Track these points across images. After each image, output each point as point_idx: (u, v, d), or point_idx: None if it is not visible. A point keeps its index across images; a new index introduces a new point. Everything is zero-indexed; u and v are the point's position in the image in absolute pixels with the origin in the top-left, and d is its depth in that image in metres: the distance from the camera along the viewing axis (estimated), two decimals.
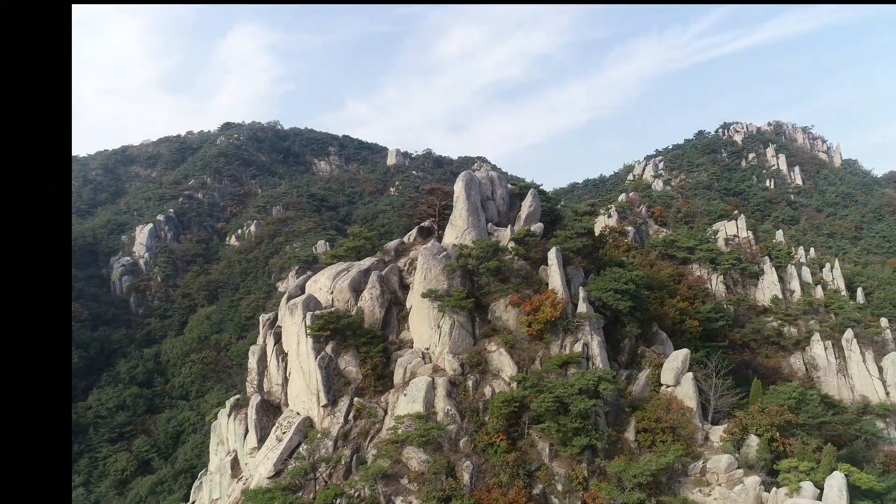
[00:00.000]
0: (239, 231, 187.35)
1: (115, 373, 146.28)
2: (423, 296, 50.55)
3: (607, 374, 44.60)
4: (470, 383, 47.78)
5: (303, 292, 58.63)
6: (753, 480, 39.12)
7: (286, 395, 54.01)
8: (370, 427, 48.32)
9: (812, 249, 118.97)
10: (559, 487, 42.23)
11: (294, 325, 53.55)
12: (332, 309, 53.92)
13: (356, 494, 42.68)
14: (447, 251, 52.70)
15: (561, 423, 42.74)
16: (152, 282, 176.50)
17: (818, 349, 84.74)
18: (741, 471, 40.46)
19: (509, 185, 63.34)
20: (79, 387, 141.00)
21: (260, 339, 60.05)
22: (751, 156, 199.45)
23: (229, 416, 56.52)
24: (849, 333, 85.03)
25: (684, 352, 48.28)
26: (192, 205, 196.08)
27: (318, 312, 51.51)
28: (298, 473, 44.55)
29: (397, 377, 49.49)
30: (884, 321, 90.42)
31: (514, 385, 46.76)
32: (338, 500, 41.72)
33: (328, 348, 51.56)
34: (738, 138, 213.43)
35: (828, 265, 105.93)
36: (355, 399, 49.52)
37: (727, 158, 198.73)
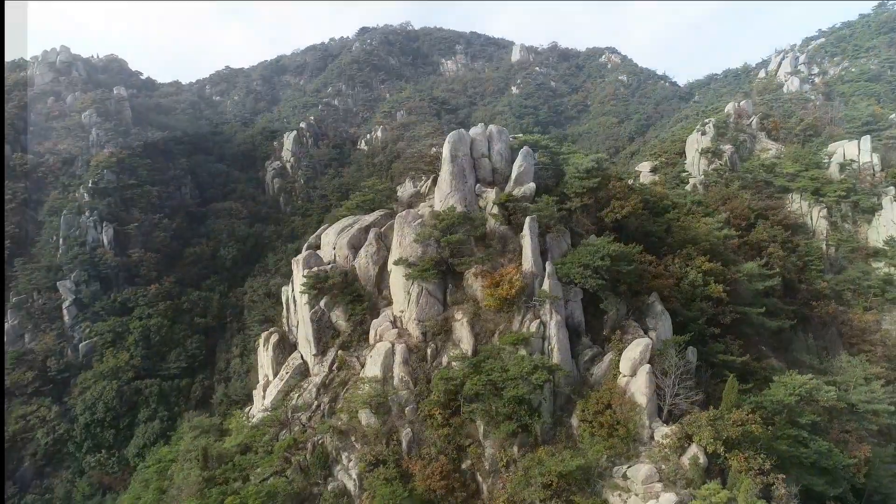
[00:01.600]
0: (368, 136, 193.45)
1: (265, 264, 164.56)
2: (396, 263, 50.15)
3: (543, 362, 41.72)
4: (429, 351, 47.81)
5: (319, 242, 61.16)
6: (669, 498, 35.40)
7: (297, 337, 58.33)
8: (348, 378, 51.07)
9: None
10: (486, 466, 42.13)
11: (299, 279, 56.55)
12: (330, 266, 55.74)
13: (317, 442, 46.40)
14: (422, 218, 50.95)
15: (495, 405, 41.77)
16: (296, 184, 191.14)
17: None
18: (660, 484, 36.74)
19: (512, 138, 57.75)
20: (238, 274, 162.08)
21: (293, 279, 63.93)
22: None
23: (263, 346, 62.65)
24: None
25: (645, 341, 42.99)
26: (330, 111, 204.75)
27: (306, 272, 53.72)
28: (279, 419, 49.20)
29: (371, 338, 50.93)
30: None
31: (470, 355, 45.91)
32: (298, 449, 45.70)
33: (322, 303, 54.14)
34: None
35: None
36: (339, 352, 52.19)
37: None
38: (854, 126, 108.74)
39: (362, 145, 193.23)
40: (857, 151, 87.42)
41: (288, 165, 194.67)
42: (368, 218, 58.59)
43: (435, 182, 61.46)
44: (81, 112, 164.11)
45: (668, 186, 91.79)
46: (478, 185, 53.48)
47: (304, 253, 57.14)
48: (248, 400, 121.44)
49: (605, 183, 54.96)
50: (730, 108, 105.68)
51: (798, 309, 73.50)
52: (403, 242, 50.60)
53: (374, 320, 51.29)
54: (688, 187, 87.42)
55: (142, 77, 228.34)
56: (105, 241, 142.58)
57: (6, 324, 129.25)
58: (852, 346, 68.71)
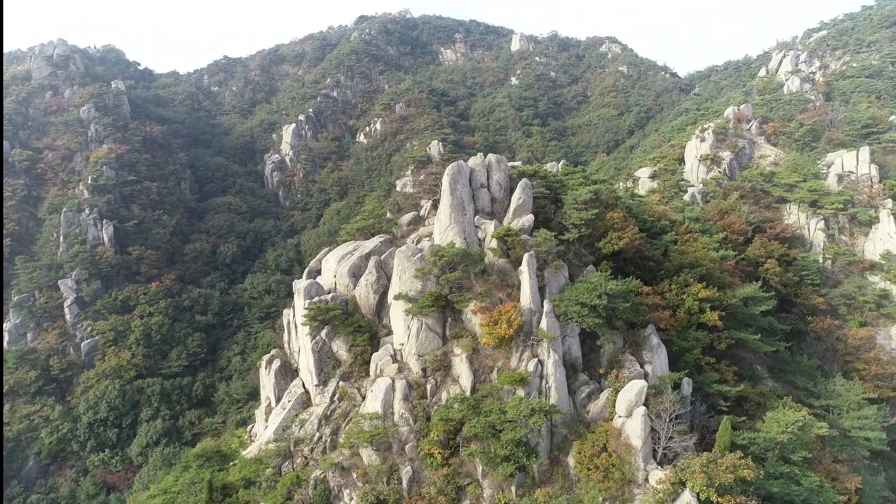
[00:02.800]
0: (367, 128, 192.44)
1: (265, 260, 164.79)
2: (396, 297, 50.52)
3: (541, 405, 42.22)
4: (429, 387, 48.39)
5: (319, 267, 61.46)
6: None
7: (298, 363, 58.90)
8: (350, 410, 51.76)
9: None
10: None
11: (300, 307, 56.91)
12: (331, 295, 56.09)
13: (319, 478, 47.24)
14: (422, 252, 51.18)
15: (493, 446, 42.50)
16: (296, 177, 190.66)
17: None
18: None
19: (511, 165, 57.74)
20: (238, 271, 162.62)
21: (294, 304, 64.21)
22: None
23: (265, 369, 63.17)
24: None
25: (640, 384, 43.56)
26: (328, 103, 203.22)
27: (307, 304, 54.06)
28: (281, 452, 49.96)
29: (371, 372, 51.48)
30: None
31: (468, 394, 46.63)
32: (300, 487, 46.59)
33: (323, 333, 54.59)
34: None
35: None
36: (340, 383, 52.77)
37: None
38: (854, 129, 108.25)
39: (361, 138, 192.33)
40: (855, 162, 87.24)
41: (287, 159, 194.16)
42: (369, 245, 58.75)
43: (435, 206, 61.59)
44: (79, 107, 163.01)
45: (667, 195, 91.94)
46: (477, 216, 53.59)
47: (305, 282, 57.37)
48: (250, 399, 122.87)
49: (602, 213, 55.13)
50: (729, 112, 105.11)
51: (793, 324, 74.25)
52: (403, 277, 50.89)
53: (375, 353, 51.77)
54: (686, 197, 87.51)
55: (139, 67, 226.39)
56: (105, 239, 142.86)
57: (8, 322, 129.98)
58: (846, 364, 69.48)
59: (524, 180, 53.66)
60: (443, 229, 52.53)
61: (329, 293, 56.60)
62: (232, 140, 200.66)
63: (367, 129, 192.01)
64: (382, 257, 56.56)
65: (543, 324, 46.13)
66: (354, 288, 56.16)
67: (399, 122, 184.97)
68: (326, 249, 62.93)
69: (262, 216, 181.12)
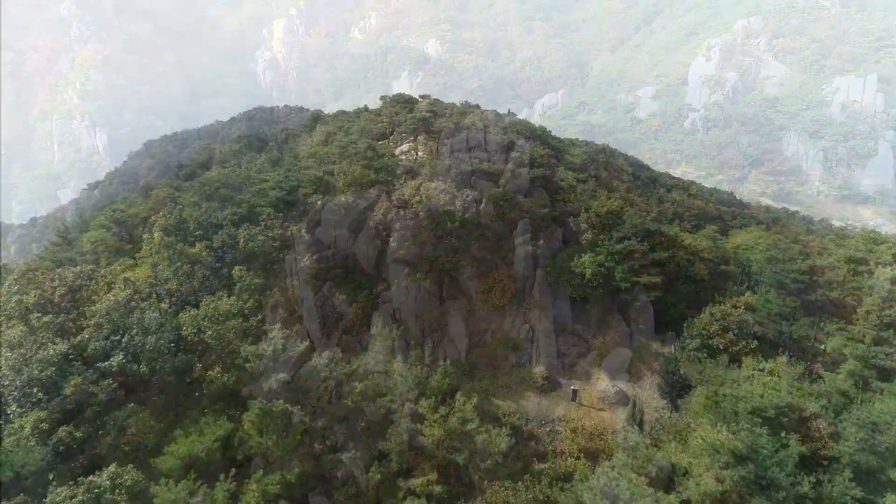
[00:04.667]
0: (361, 23, 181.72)
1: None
2: (395, 262, 51.27)
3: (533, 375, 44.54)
4: (427, 349, 50.49)
5: (319, 218, 61.44)
6: None
7: (302, 313, 60.66)
8: (352, 362, 54.30)
9: None
10: (478, 461, 46.68)
11: (302, 262, 57.64)
12: (331, 252, 56.69)
13: (327, 428, 50.73)
14: (419, 217, 51.09)
15: (487, 407, 45.34)
16: (289, 77, 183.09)
17: None
18: (629, 493, 41.37)
19: (508, 120, 55.82)
20: None
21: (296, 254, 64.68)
22: None
23: (270, 314, 65.03)
24: None
25: (625, 352, 45.59)
26: None
27: (310, 262, 54.78)
28: (292, 400, 53.05)
29: (372, 328, 53.35)
30: None
31: (463, 357, 48.90)
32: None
33: (325, 288, 55.86)
34: None
35: None
36: (343, 336, 54.92)
37: None
38: (867, 41, 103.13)
39: (356, 34, 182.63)
40: (862, 89, 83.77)
41: (279, 56, 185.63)
42: (367, 198, 58.27)
43: (433, 153, 60.54)
44: (59, 3, 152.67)
45: (667, 121, 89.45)
46: (473, 176, 52.88)
47: (306, 237, 57.64)
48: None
49: (596, 175, 54.37)
50: (738, 26, 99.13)
51: None
52: (401, 241, 51.29)
53: (375, 312, 53.37)
54: (686, 124, 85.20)
55: None
56: (100, 148, 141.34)
57: (13, 233, 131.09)
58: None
59: (521, 141, 52.39)
60: (440, 191, 52.10)
61: (329, 248, 57.16)
62: (221, 35, 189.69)
63: (362, 23, 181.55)
64: (380, 212, 56.43)
65: (535, 292, 47.37)
66: (354, 244, 56.62)
67: (395, 15, 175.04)
68: (327, 198, 62.36)
69: (257, 121, 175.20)
